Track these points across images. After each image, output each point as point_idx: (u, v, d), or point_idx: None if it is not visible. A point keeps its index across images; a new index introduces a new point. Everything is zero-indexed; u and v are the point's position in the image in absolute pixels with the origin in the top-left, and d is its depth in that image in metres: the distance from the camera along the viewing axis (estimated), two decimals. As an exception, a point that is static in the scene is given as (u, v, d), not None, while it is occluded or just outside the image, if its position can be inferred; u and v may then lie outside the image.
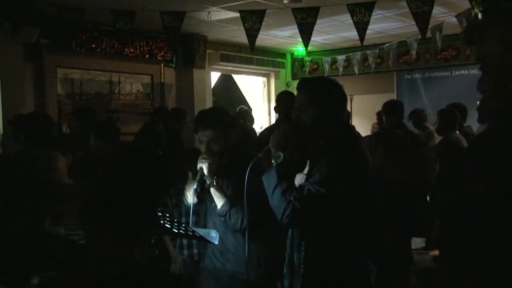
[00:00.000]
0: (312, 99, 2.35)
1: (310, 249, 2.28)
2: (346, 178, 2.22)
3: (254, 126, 7.47)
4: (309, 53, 9.83)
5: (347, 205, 2.23)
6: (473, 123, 5.76)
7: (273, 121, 10.12)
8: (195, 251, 3.63)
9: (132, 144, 4.75)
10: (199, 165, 2.65)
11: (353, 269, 2.32)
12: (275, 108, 4.98)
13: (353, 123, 8.09)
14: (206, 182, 2.67)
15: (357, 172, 2.27)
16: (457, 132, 4.79)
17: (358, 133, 3.60)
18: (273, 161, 2.28)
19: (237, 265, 2.65)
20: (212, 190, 2.66)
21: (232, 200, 2.62)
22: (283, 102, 4.53)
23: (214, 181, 2.65)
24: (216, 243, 2.55)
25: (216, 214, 2.72)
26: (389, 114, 5.17)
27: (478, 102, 3.36)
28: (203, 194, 2.71)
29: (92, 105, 6.66)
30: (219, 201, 2.65)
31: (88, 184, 1.37)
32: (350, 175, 2.23)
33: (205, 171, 2.64)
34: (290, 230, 2.40)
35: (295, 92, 2.52)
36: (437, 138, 5.84)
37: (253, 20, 5.39)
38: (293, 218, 2.18)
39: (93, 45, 7.09)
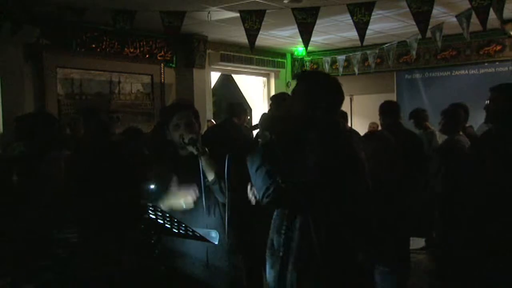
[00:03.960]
0: (308, 92, 2.38)
1: (289, 233, 2.30)
2: (335, 167, 2.23)
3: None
4: (309, 53, 9.84)
5: (335, 192, 2.23)
6: (474, 123, 5.76)
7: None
8: None
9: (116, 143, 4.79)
10: (190, 136, 2.69)
11: (337, 254, 2.31)
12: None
13: (353, 123, 8.13)
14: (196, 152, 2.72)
15: (345, 163, 2.28)
16: (460, 132, 4.75)
17: (356, 131, 3.59)
18: (259, 140, 2.32)
19: (216, 251, 2.69)
20: (203, 158, 2.69)
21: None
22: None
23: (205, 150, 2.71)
24: (216, 243, 2.55)
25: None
26: (385, 115, 5.15)
27: (486, 102, 3.36)
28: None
29: (88, 104, 6.68)
30: (210, 170, 2.70)
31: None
32: (338, 164, 2.24)
33: (197, 140, 2.70)
34: (275, 214, 2.41)
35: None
36: (439, 138, 5.82)
37: (253, 20, 5.39)
38: (275, 197, 2.20)
39: (93, 45, 7.09)
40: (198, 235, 2.39)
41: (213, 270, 2.74)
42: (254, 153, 2.29)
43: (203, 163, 2.69)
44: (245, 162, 2.34)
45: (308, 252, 2.27)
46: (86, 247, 2.81)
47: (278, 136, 2.32)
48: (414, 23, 5.11)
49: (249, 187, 2.48)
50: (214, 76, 9.39)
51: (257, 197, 2.32)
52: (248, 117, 5.08)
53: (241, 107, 5.09)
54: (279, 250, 2.33)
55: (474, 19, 5.40)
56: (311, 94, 2.36)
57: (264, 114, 2.43)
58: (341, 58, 8.96)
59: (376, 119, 5.83)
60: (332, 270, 2.27)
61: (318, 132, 2.33)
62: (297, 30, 5.50)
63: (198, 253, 2.71)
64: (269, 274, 2.42)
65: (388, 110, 5.14)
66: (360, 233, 2.33)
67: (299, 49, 9.83)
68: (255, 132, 3.59)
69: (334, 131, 2.38)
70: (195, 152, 2.69)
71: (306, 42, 5.47)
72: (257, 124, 2.63)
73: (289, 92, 3.01)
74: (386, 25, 7.50)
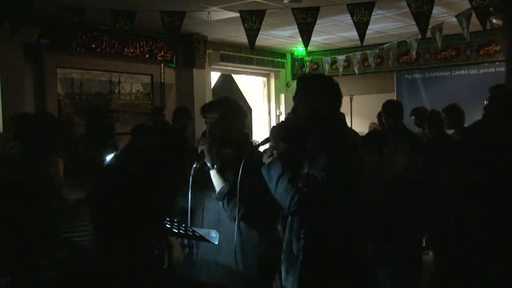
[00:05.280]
0: (310, 94, 2.48)
1: (309, 237, 2.32)
2: (346, 166, 2.30)
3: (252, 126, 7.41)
4: (309, 53, 9.83)
5: (347, 191, 2.30)
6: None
7: (273, 121, 10.10)
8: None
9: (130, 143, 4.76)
10: (200, 148, 2.66)
11: (352, 257, 2.34)
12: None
13: (353, 123, 8.12)
14: (206, 165, 2.67)
15: (355, 161, 2.37)
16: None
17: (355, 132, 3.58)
18: (274, 152, 2.34)
19: (228, 256, 2.67)
20: (212, 172, 2.66)
21: (231, 184, 2.61)
22: None
23: (215, 164, 2.67)
24: (216, 243, 2.54)
25: (212, 209, 2.72)
26: (388, 114, 5.14)
27: (485, 102, 3.36)
28: (200, 177, 2.70)
29: (92, 105, 6.68)
30: (218, 184, 2.65)
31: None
32: (349, 163, 2.33)
33: (206, 154, 2.64)
34: (290, 218, 2.43)
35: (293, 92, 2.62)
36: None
37: (253, 20, 5.39)
38: (301, 204, 2.23)
39: (93, 45, 7.09)
40: (198, 235, 2.40)
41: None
42: (271, 165, 2.33)
43: (211, 175, 2.67)
44: (259, 169, 2.36)
45: (318, 256, 2.30)
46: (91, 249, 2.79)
47: (292, 145, 2.38)
48: (414, 23, 5.11)
49: None
50: (214, 76, 9.39)
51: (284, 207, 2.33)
52: (248, 119, 5.09)
53: (241, 110, 5.05)
54: (298, 255, 2.34)
55: (474, 19, 5.40)
56: (314, 95, 2.46)
57: (273, 127, 2.48)
58: (341, 58, 8.96)
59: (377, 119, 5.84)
60: (340, 271, 2.30)
61: (325, 131, 2.39)
62: (297, 30, 5.50)
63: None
64: (287, 279, 2.42)
65: (391, 110, 5.13)
66: (367, 231, 2.37)
67: (299, 49, 9.82)
68: (263, 147, 3.58)
69: (341, 132, 2.46)
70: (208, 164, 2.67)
71: (306, 42, 5.47)
72: (267, 138, 2.57)
73: (291, 93, 3.02)
74: (386, 25, 7.50)
